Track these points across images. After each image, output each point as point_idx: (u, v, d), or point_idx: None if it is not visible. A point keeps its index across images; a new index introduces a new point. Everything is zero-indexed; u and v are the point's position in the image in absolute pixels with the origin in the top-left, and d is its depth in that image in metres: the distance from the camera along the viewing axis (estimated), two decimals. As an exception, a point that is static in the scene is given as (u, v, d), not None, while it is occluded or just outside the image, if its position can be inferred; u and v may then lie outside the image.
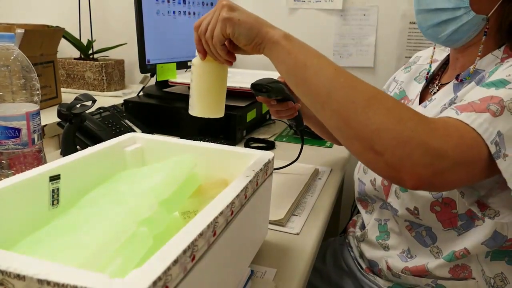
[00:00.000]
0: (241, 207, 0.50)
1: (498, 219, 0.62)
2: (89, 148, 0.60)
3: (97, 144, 0.62)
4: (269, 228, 0.72)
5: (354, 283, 0.89)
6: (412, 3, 1.37)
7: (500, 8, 0.66)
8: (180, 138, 0.71)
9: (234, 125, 1.15)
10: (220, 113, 0.65)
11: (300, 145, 0.95)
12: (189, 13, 1.39)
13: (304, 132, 0.97)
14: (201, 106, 0.64)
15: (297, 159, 0.95)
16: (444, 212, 0.70)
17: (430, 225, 0.73)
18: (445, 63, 0.86)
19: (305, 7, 1.51)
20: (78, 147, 0.93)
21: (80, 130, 0.96)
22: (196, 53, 0.62)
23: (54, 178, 0.49)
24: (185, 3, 1.36)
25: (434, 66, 0.86)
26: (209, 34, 0.57)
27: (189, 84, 0.66)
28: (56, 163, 0.52)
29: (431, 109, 0.75)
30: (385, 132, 0.47)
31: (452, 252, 0.70)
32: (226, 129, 1.16)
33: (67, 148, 0.88)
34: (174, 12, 1.32)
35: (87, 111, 0.92)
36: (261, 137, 1.26)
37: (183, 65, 1.38)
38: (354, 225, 0.97)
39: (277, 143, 1.24)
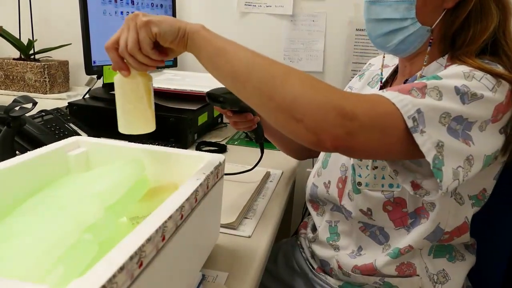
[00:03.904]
0: (192, 211, 0.49)
1: (427, 197, 0.63)
2: (29, 152, 0.56)
3: (38, 149, 0.58)
4: (220, 232, 0.71)
5: (306, 283, 0.91)
6: (358, 10, 1.44)
7: (443, 20, 0.70)
8: (129, 142, 0.68)
9: (185, 129, 1.14)
10: (153, 126, 0.63)
11: (256, 153, 0.93)
12: (138, 14, 1.35)
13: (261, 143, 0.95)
14: (133, 123, 0.62)
15: (252, 169, 0.93)
16: (395, 211, 0.73)
17: (382, 225, 0.77)
18: (396, 70, 0.88)
19: (256, 11, 1.52)
20: (17, 152, 0.88)
21: (20, 134, 0.90)
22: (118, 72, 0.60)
23: (-12, 185, 0.46)
24: (133, 4, 1.32)
25: (386, 72, 0.88)
26: (133, 45, 0.57)
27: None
28: (-10, 169, 0.49)
29: None
30: (302, 100, 0.52)
31: (397, 249, 0.74)
32: (177, 133, 1.14)
33: (5, 153, 0.82)
34: (122, 13, 1.28)
35: (27, 114, 0.87)
36: (213, 140, 1.25)
37: (132, 67, 1.34)
38: (306, 227, 0.99)
39: (229, 146, 1.23)
